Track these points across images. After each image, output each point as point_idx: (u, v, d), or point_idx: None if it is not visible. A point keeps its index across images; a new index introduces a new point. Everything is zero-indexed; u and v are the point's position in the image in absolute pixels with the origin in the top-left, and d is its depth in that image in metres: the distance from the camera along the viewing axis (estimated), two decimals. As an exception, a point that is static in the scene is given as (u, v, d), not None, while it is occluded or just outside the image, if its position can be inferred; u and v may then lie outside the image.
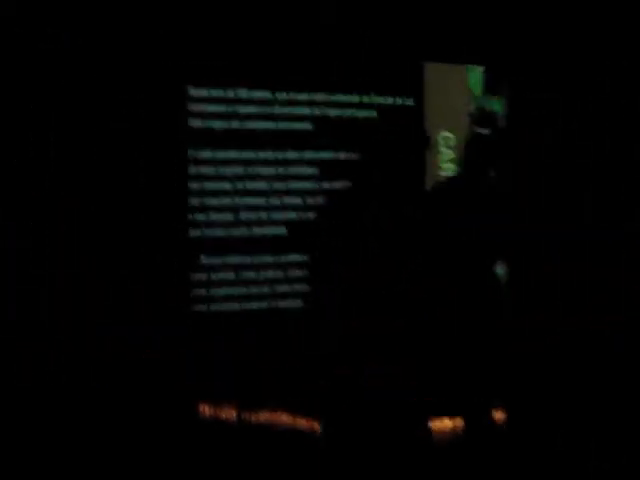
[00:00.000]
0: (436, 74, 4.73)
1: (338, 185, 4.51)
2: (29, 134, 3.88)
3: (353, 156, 4.54)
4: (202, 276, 4.23)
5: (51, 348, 3.85)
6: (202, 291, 4.23)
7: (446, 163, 4.77)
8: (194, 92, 4.22)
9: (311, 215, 4.46)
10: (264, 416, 3.93)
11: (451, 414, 3.66)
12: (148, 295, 4.06)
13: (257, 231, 4.34)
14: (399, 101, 4.66)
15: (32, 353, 3.81)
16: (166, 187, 4.13)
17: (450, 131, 4.77)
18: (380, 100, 4.62)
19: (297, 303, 4.42)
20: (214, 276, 4.25)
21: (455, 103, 4.77)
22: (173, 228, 4.17)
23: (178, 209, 4.18)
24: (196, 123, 4.22)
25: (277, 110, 4.39)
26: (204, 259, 4.22)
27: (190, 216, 4.20)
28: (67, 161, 3.95)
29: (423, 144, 4.59)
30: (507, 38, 4.85)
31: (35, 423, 3.58)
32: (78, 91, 3.95)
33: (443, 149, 4.77)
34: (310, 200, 4.45)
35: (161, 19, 4.12)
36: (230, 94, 4.29)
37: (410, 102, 4.69)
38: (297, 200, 4.42)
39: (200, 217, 4.22)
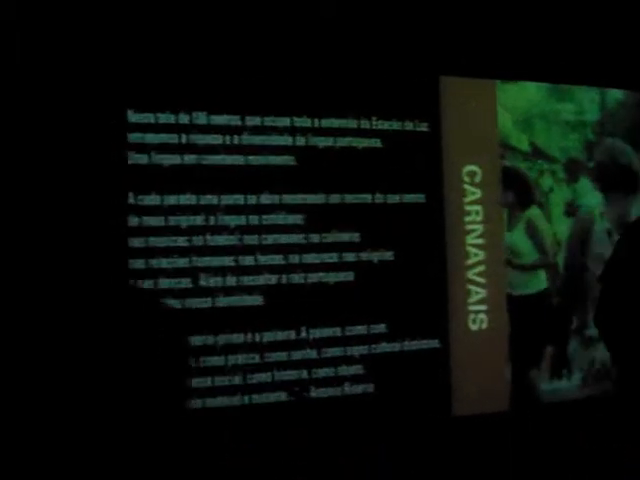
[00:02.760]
0: (457, 91, 3.66)
1: (330, 238, 3.42)
2: None
3: (350, 199, 3.46)
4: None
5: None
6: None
7: (471, 205, 3.67)
8: (135, 117, 3.16)
9: (296, 278, 3.35)
10: None
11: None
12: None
13: (222, 302, 3.23)
14: (409, 126, 3.58)
15: None
16: (98, 245, 3.04)
17: (476, 164, 3.69)
18: (385, 125, 3.54)
19: (280, 396, 3.30)
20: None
21: (482, 128, 3.70)
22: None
23: (114, 275, 3.09)
24: (138, 159, 3.15)
25: (247, 140, 3.31)
26: (151, 341, 3.11)
27: (131, 283, 3.11)
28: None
29: None
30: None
31: None
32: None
33: (467, 187, 3.67)
34: (294, 258, 3.35)
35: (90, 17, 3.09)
36: (184, 119, 3.22)
37: (424, 127, 3.61)
38: (277, 259, 3.32)
39: (146, 285, 3.13)
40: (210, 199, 3.24)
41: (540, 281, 3.82)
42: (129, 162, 3.14)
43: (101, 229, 3.07)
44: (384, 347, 3.48)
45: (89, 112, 3.05)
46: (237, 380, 3.25)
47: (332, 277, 3.40)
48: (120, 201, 3.12)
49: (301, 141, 3.39)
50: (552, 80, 3.86)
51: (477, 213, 3.67)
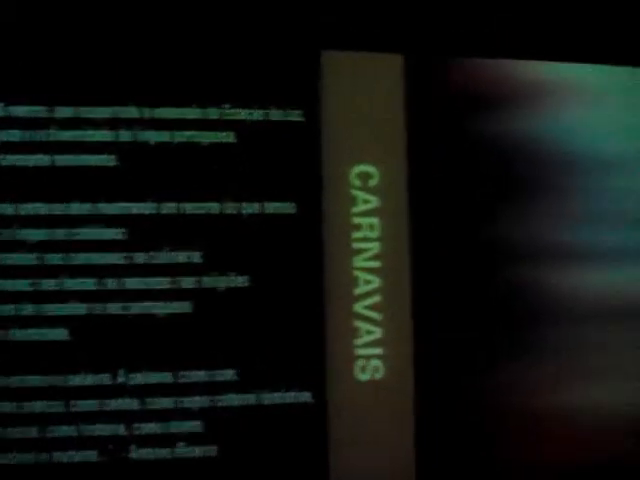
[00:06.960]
0: (345, 70, 2.82)
1: (161, 258, 2.70)
2: None
3: (189, 209, 2.72)
4: None
5: None
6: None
7: (363, 217, 2.80)
8: None
9: (114, 308, 2.67)
10: None
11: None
12: None
13: (15, 335, 2.60)
14: (276, 115, 2.79)
15: None
16: None
17: (371, 163, 2.82)
18: (241, 115, 2.77)
19: (90, 456, 2.63)
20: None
21: (382, 117, 2.82)
22: None
23: None
24: None
25: (55, 136, 2.68)
26: None
27: None
28: None
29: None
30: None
31: None
32: None
33: (357, 193, 2.80)
34: (112, 283, 2.67)
35: None
36: (-25, 112, 2.66)
37: (297, 117, 2.80)
38: (88, 283, 2.66)
39: None
40: (3, 208, 2.64)
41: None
42: None
43: None
44: (232, 399, 2.70)
45: None
46: (33, 433, 2.61)
47: (162, 308, 2.68)
48: None
49: (126, 136, 2.70)
50: (484, 54, 2.87)
51: (372, 227, 2.79)
